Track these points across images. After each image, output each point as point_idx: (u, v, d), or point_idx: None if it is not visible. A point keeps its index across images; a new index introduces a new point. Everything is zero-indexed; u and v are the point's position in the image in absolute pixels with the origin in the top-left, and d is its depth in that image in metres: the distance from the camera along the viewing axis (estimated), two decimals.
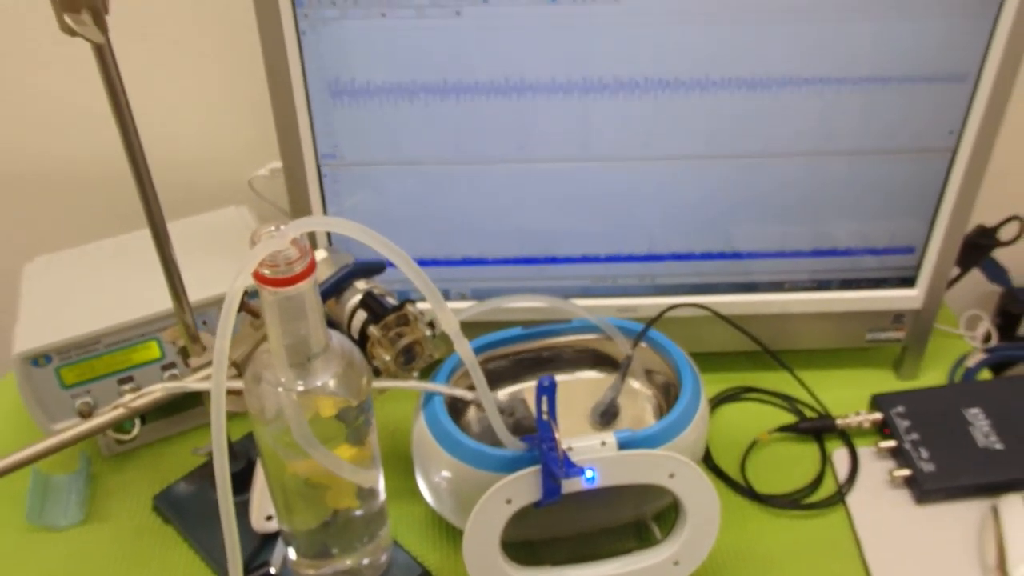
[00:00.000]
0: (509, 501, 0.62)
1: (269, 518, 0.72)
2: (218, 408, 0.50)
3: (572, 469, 0.60)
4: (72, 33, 0.48)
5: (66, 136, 0.95)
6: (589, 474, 0.62)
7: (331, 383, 0.57)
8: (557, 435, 0.61)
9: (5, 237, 1.01)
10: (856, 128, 0.75)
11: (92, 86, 0.88)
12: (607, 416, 0.73)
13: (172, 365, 0.78)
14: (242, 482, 0.74)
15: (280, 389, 0.56)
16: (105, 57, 0.52)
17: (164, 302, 0.74)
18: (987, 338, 0.93)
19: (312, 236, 0.78)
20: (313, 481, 0.61)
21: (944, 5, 0.69)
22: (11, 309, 1.02)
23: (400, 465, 0.77)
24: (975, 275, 0.98)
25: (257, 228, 0.52)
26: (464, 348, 0.57)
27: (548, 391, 0.60)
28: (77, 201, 0.99)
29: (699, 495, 0.64)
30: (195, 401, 0.81)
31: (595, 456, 0.62)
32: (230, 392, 0.68)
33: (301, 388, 0.56)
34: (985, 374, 0.89)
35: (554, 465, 0.60)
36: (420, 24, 0.68)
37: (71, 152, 0.96)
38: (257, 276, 0.51)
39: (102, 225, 1.00)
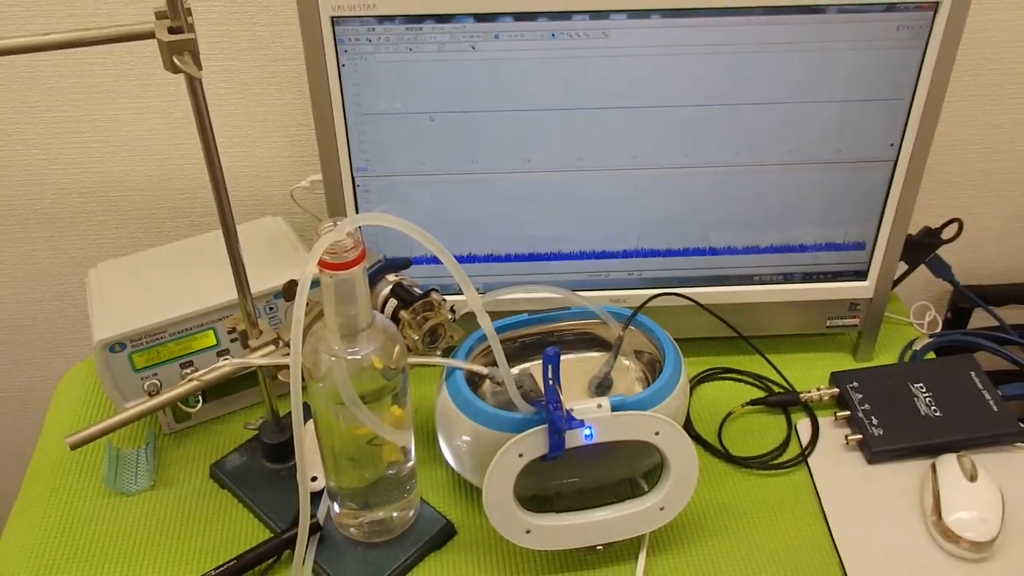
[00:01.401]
0: (521, 455, 0.73)
1: (314, 478, 0.83)
2: (295, 362, 0.62)
3: (573, 422, 0.72)
4: (176, 70, 0.60)
5: (123, 159, 1.07)
6: (587, 431, 0.73)
7: (374, 352, 0.69)
8: (561, 396, 0.72)
9: (70, 246, 1.13)
10: (812, 141, 0.86)
11: (149, 116, 1.02)
12: (602, 388, 0.84)
13: (226, 351, 0.89)
14: (290, 449, 0.85)
15: (333, 358, 0.68)
16: (196, 89, 0.64)
17: (219, 297, 0.87)
18: (933, 325, 1.05)
19: None
20: (378, 440, 0.73)
21: (883, 39, 0.81)
22: (78, 307, 1.14)
23: (424, 437, 0.89)
24: (930, 274, 1.10)
25: (319, 225, 0.64)
26: (485, 321, 0.69)
27: (553, 359, 0.71)
28: (129, 216, 1.11)
29: (680, 450, 0.75)
30: (244, 384, 0.93)
31: (593, 416, 0.73)
32: (279, 367, 0.80)
33: (350, 356, 0.68)
34: (930, 356, 1.01)
35: (559, 421, 0.71)
36: (441, 57, 0.80)
37: (126, 174, 1.08)
38: (320, 261, 0.63)
39: (151, 236, 1.13)
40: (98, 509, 0.84)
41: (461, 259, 0.92)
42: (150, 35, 0.61)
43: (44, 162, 1.06)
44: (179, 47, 0.60)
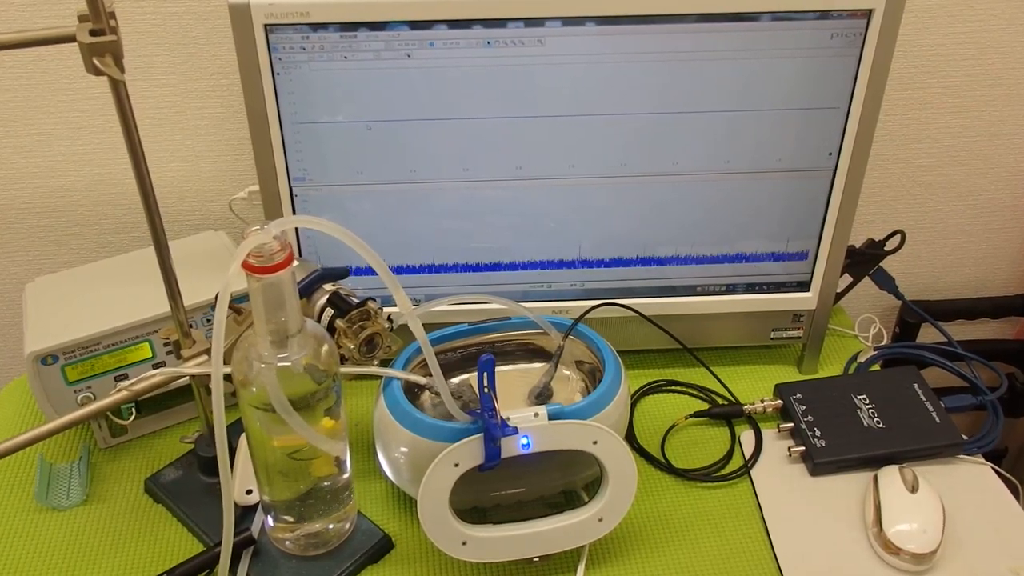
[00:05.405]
0: (456, 464, 0.72)
1: (249, 492, 0.82)
2: (217, 363, 0.61)
3: (508, 430, 0.71)
4: (98, 73, 0.59)
5: (61, 174, 1.05)
6: (524, 440, 0.73)
7: (305, 358, 0.67)
8: (497, 405, 0.72)
9: (9, 262, 1.11)
10: (751, 150, 0.87)
11: (88, 130, 1.01)
12: (541, 397, 0.83)
13: (162, 364, 0.88)
14: None
15: (263, 364, 0.67)
16: (120, 92, 0.63)
17: (154, 309, 0.86)
18: (879, 338, 1.05)
19: None
20: (300, 455, 0.72)
21: (818, 47, 0.81)
22: (15, 324, 1.12)
23: (362, 450, 0.88)
24: (878, 289, 1.10)
25: (246, 228, 0.63)
26: (417, 328, 0.68)
27: (487, 366, 0.70)
28: (68, 231, 1.10)
29: (619, 459, 0.75)
30: (181, 398, 0.91)
31: (529, 425, 0.73)
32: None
33: (280, 363, 0.67)
34: (875, 368, 1.01)
35: (494, 429, 0.70)
36: (376, 65, 0.80)
37: (66, 188, 1.06)
38: (246, 265, 0.61)
39: (91, 251, 1.11)
40: (29, 525, 0.83)
41: (402, 269, 0.91)
42: (71, 38, 0.60)
43: None
44: (100, 48, 0.59)
